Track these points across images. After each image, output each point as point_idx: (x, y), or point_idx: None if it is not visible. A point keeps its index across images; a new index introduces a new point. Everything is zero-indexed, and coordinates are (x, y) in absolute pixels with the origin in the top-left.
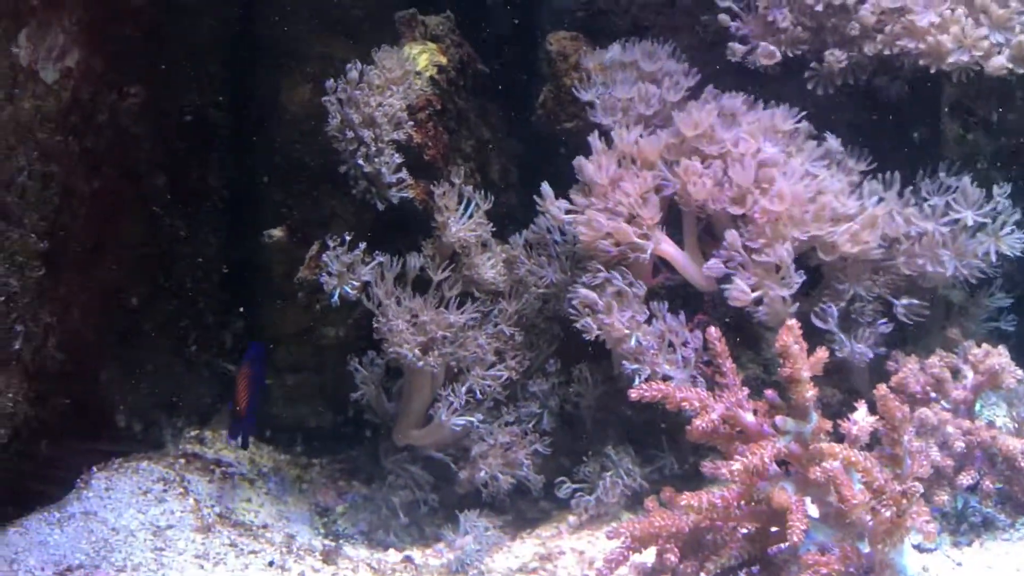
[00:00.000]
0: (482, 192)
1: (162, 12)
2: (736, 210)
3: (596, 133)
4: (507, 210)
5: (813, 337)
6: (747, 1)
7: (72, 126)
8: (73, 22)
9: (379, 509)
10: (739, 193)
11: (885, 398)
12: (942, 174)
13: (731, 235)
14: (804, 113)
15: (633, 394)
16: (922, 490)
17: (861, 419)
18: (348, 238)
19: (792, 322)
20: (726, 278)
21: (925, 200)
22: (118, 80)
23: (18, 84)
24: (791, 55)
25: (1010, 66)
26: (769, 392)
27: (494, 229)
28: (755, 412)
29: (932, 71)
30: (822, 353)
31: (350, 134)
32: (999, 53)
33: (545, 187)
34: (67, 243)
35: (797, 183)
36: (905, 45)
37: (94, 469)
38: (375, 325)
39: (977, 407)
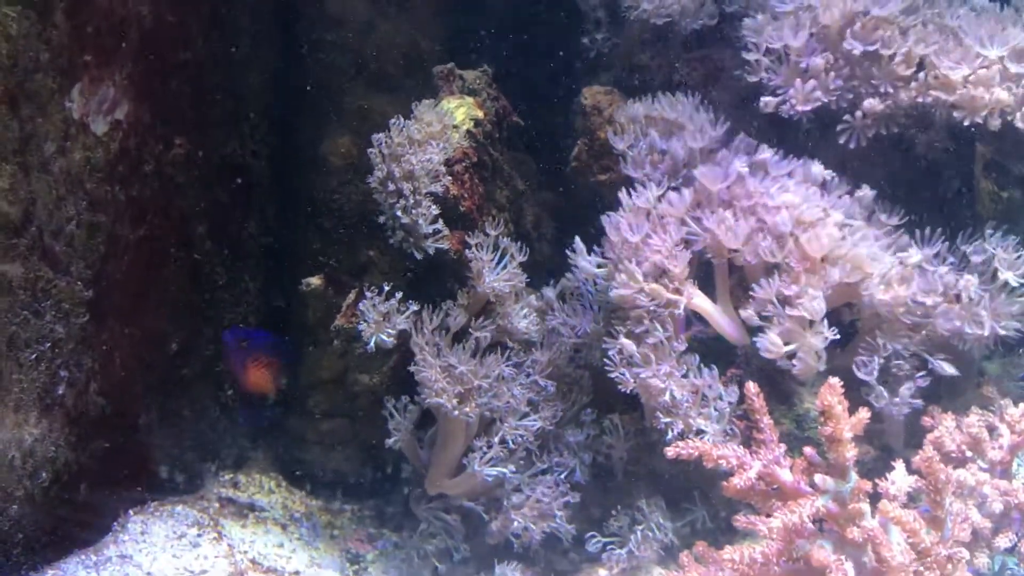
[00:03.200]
0: (516, 242)
1: (208, 65)
2: (769, 261)
3: (625, 189)
4: (540, 259)
5: (846, 389)
6: (778, 53)
7: (119, 176)
8: (124, 76)
9: (410, 557)
10: (772, 243)
11: (930, 460)
12: (987, 233)
13: (764, 286)
14: (838, 166)
15: (670, 452)
16: (967, 556)
17: (900, 479)
18: (386, 288)
19: (835, 380)
20: (759, 330)
21: (964, 258)
22: (164, 131)
23: (69, 137)
24: (825, 102)
25: None
26: (808, 450)
27: (528, 279)
28: (791, 469)
29: (966, 123)
30: (865, 414)
31: (391, 187)
32: None
33: (577, 242)
34: (111, 290)
35: (830, 235)
36: (938, 96)
37: (131, 513)
38: (414, 374)
39: (1015, 466)
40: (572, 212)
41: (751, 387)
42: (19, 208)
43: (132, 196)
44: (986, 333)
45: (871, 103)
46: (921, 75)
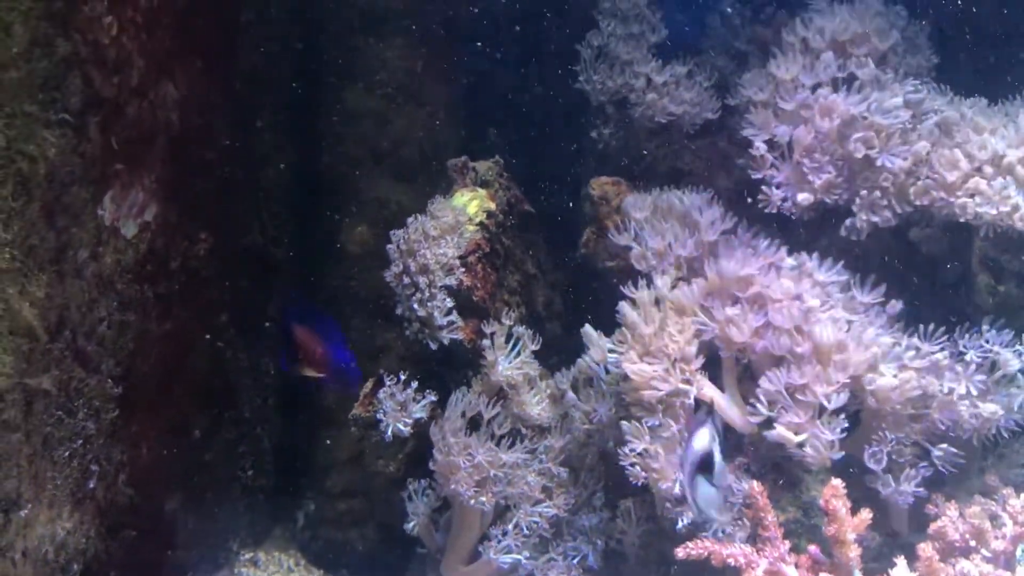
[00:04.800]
0: (528, 326)
1: (231, 161)
2: (777, 353)
3: (636, 279)
4: (551, 339)
5: (849, 477)
6: (782, 150)
7: (148, 275)
8: (152, 180)
9: None
10: (779, 338)
11: (929, 561)
12: (984, 327)
13: (773, 377)
14: (838, 254)
15: (680, 553)
16: None
17: (901, 574)
18: (403, 376)
19: (836, 482)
20: (768, 421)
21: (962, 353)
22: (190, 228)
23: (101, 243)
24: (827, 202)
25: None
26: (812, 548)
27: (540, 360)
28: (797, 566)
29: (961, 220)
30: (866, 515)
31: (407, 280)
32: None
33: (588, 330)
34: (139, 384)
35: (836, 329)
36: (935, 196)
37: None
38: (432, 463)
39: (1021, 551)
40: (583, 294)
41: (755, 486)
42: (55, 314)
43: (159, 292)
44: (984, 424)
45: (868, 215)
46: (921, 179)
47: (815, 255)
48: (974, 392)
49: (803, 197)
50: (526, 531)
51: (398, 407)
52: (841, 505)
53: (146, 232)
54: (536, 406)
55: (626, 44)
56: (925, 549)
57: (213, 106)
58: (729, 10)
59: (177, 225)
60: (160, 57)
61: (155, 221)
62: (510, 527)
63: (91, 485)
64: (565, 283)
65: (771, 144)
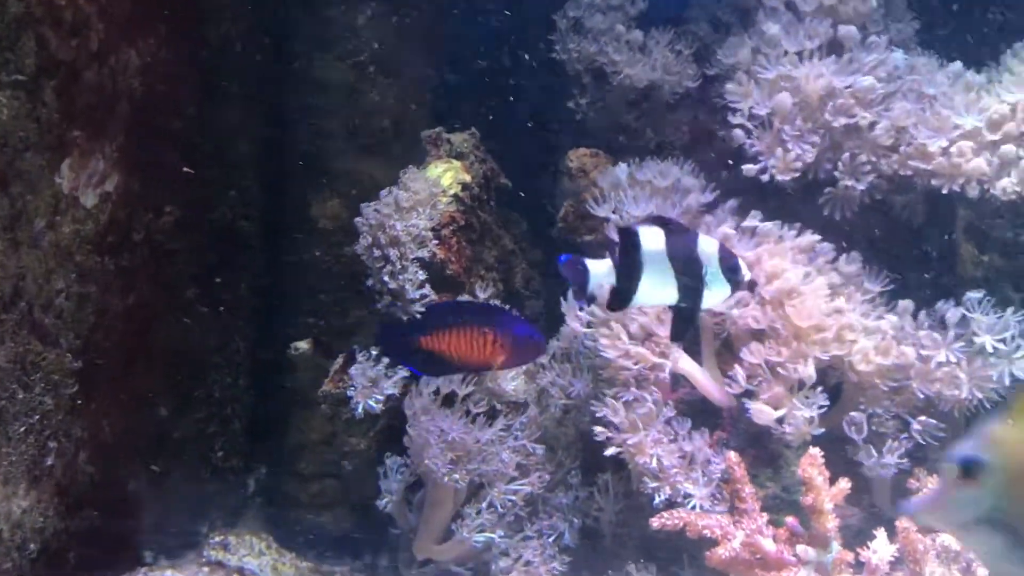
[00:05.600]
0: (506, 302)
1: (198, 132)
2: (756, 326)
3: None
4: (531, 317)
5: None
6: (762, 119)
7: (109, 246)
8: (114, 148)
9: None
10: (757, 311)
11: (907, 531)
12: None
13: (753, 350)
14: (822, 227)
15: (655, 523)
16: None
17: (881, 548)
18: (374, 352)
19: (815, 451)
20: (746, 394)
21: (942, 323)
22: (155, 199)
23: (59, 212)
24: (808, 172)
25: (1019, 189)
26: (790, 520)
27: None
28: (775, 539)
29: (945, 191)
30: (845, 484)
31: (377, 252)
32: (1008, 176)
33: (569, 300)
34: (100, 358)
35: (818, 301)
36: (917, 166)
37: None
38: (406, 439)
39: None
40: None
41: (732, 457)
42: (9, 285)
43: (122, 265)
44: (964, 396)
45: (851, 182)
46: (902, 147)
47: (797, 226)
48: (953, 360)
49: (783, 166)
50: (500, 509)
51: (369, 383)
52: (818, 474)
53: (107, 202)
54: (511, 382)
55: (605, 14)
56: (903, 522)
57: (178, 75)
58: None
59: (141, 196)
60: (121, 22)
61: (116, 191)
62: (484, 506)
63: (49, 462)
64: (545, 260)
65: (751, 113)
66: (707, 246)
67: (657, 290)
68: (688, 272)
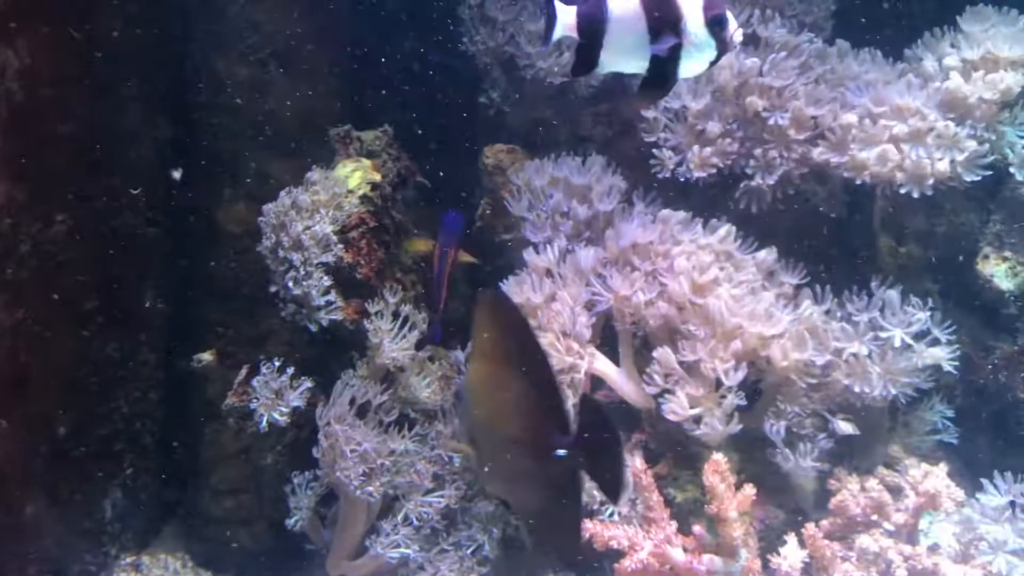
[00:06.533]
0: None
1: (92, 136)
2: (672, 326)
3: (530, 249)
4: (454, 319)
5: (751, 451)
6: (676, 111)
7: None
8: None
9: None
10: (671, 310)
11: (813, 537)
12: (875, 288)
13: (665, 352)
14: (743, 221)
15: None
16: None
17: (791, 554)
18: (277, 363)
19: (718, 457)
20: (664, 394)
21: (852, 316)
22: (44, 208)
23: None
24: (721, 167)
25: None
26: (697, 528)
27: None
28: (685, 548)
29: (858, 183)
30: (750, 490)
31: (281, 254)
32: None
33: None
34: None
35: (733, 299)
36: (829, 158)
37: None
38: (316, 451)
39: (928, 522)
40: (486, 269)
41: (638, 465)
42: None
43: (7, 280)
44: (876, 392)
45: (764, 177)
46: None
47: (713, 222)
48: (864, 352)
49: (698, 160)
50: (415, 523)
51: (273, 395)
52: (720, 481)
53: None
54: (425, 389)
55: (513, 2)
56: (809, 528)
57: (66, 77)
58: None
59: (27, 205)
60: None
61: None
62: (399, 519)
63: None
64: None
65: (664, 106)
66: None
67: (627, 51)
68: (665, 26)
